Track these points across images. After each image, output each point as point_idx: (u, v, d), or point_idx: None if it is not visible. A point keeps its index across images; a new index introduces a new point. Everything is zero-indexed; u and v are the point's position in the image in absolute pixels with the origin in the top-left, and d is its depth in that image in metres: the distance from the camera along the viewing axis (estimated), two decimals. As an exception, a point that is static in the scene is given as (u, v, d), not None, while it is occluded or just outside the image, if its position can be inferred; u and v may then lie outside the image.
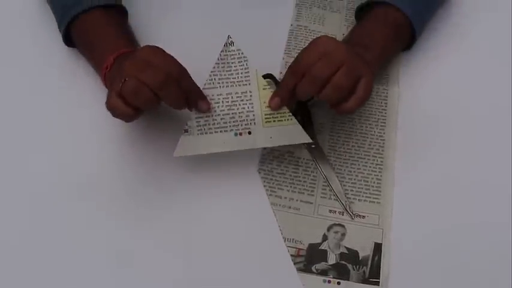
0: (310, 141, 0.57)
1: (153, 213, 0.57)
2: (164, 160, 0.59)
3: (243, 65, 0.57)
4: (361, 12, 0.68)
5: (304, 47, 0.69)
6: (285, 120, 0.56)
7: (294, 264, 0.54)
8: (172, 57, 0.53)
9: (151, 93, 0.51)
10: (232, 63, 0.57)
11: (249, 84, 0.57)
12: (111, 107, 0.52)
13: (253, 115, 0.56)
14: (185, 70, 0.54)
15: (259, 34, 0.69)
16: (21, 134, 0.62)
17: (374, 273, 0.53)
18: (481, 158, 0.61)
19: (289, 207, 0.57)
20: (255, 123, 0.56)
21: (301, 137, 0.57)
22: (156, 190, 0.59)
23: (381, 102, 0.65)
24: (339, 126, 0.63)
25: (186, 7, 0.73)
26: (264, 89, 0.57)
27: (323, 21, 0.73)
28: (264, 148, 0.61)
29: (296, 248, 0.55)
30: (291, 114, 0.56)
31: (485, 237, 0.56)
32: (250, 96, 0.57)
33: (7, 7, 0.73)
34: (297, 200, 0.58)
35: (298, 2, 0.74)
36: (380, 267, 0.54)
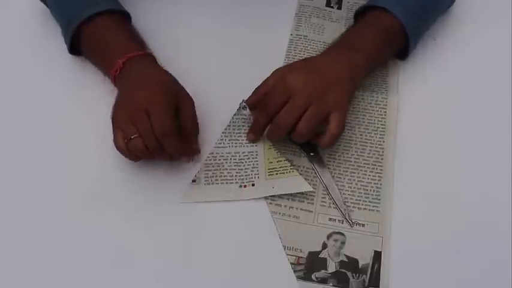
0: (312, 189, 0.58)
1: (153, 220, 0.57)
2: (166, 167, 0.60)
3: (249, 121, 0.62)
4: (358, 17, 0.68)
5: (303, 56, 0.70)
6: (286, 172, 0.59)
7: (294, 272, 0.54)
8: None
9: (156, 152, 0.56)
10: (243, 126, 0.63)
11: (256, 145, 0.61)
12: (119, 149, 0.57)
13: (258, 171, 0.60)
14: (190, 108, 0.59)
15: (259, 43, 0.70)
16: (25, 139, 0.63)
17: (374, 281, 0.54)
18: (480, 165, 0.61)
19: (289, 216, 0.58)
20: (258, 177, 0.59)
21: (303, 186, 0.59)
22: (157, 197, 0.59)
23: (380, 111, 0.65)
24: (339, 135, 0.63)
25: (187, 16, 0.74)
26: (269, 148, 0.61)
27: (322, 30, 0.73)
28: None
29: (296, 256, 0.55)
30: (292, 167, 0.59)
31: (486, 245, 0.56)
32: (256, 155, 0.61)
33: (10, 16, 0.74)
34: (296, 209, 0.58)
35: (298, 12, 0.75)
36: (380, 276, 0.54)
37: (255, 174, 0.60)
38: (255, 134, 0.61)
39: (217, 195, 0.58)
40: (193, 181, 0.59)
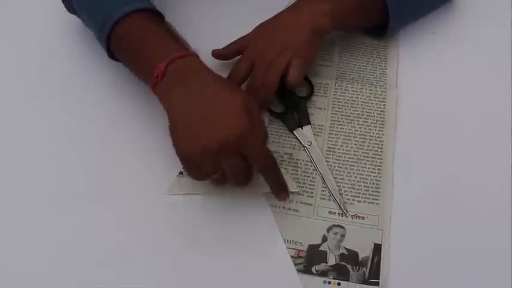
0: (297, 190, 0.58)
1: (153, 214, 0.57)
2: (165, 162, 0.59)
3: None
4: None
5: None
6: None
7: (294, 265, 0.54)
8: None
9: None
10: None
11: None
12: (196, 179, 0.54)
13: None
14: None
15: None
16: (24, 132, 0.63)
17: (374, 274, 0.54)
18: (480, 159, 0.61)
19: (289, 209, 0.57)
20: None
21: (289, 184, 0.58)
22: (156, 192, 0.58)
23: (379, 104, 0.65)
24: (338, 128, 0.63)
25: (183, 10, 0.73)
26: None
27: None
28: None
29: (296, 249, 0.55)
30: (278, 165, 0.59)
31: (485, 237, 0.56)
32: None
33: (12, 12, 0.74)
34: (296, 202, 0.58)
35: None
36: (380, 268, 0.54)
37: None
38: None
39: (203, 187, 0.58)
40: (180, 173, 0.59)
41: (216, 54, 0.66)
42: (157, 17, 0.60)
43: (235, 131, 0.49)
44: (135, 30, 0.57)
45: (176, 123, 0.51)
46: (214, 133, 0.49)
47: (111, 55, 0.61)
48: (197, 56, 0.55)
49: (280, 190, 0.56)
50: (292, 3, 0.66)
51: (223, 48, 0.66)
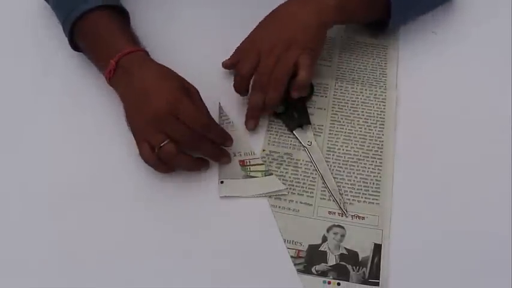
0: (283, 187, 0.59)
1: (153, 214, 0.57)
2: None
3: (231, 125, 0.63)
4: None
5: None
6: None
7: (294, 265, 0.54)
8: (199, 106, 0.57)
9: (189, 157, 0.57)
10: (222, 125, 0.63)
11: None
12: (149, 162, 0.56)
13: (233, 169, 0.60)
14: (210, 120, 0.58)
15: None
16: (23, 136, 0.63)
17: (374, 274, 0.54)
18: (480, 159, 0.61)
19: (289, 209, 0.58)
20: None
21: (276, 185, 0.59)
22: (157, 192, 0.59)
23: (379, 105, 0.65)
24: (338, 128, 0.63)
25: (185, 9, 0.74)
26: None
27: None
28: (263, 150, 0.62)
29: (296, 249, 0.55)
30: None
31: (485, 238, 0.56)
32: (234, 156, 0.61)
33: (10, 10, 0.74)
34: (296, 202, 0.58)
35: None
36: (380, 268, 0.54)
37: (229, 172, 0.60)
38: (240, 92, 0.63)
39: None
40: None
41: (226, 64, 0.66)
42: (118, 13, 0.64)
43: (168, 99, 0.55)
44: (93, 27, 0.62)
45: (126, 108, 0.58)
46: (151, 104, 0.55)
47: (74, 45, 0.65)
48: (143, 51, 0.61)
49: (220, 154, 0.59)
50: None
51: (230, 58, 0.66)
